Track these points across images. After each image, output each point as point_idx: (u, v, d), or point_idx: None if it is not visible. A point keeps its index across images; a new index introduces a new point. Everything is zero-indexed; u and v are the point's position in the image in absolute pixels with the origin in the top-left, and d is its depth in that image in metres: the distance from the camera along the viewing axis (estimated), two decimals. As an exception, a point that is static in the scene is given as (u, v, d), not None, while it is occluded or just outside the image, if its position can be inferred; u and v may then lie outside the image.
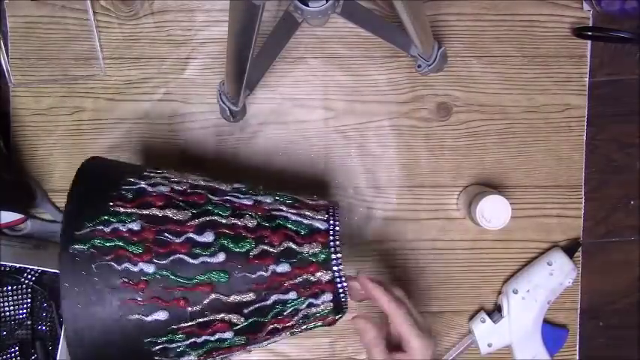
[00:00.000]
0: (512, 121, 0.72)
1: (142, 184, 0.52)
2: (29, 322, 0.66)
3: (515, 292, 0.70)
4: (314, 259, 0.51)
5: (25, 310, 0.66)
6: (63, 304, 0.46)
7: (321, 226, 0.53)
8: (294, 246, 0.51)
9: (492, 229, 0.66)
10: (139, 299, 0.47)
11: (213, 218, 0.50)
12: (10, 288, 0.66)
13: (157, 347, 0.48)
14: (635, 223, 0.74)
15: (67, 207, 0.49)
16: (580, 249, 0.73)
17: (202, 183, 0.55)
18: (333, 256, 0.51)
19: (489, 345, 0.71)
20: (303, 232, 0.52)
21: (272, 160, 0.71)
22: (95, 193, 0.50)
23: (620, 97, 0.73)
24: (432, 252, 0.73)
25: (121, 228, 0.48)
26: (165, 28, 0.70)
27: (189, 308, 0.48)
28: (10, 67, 0.69)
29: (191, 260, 0.48)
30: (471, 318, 0.73)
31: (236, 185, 0.56)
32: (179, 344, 0.49)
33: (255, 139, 0.71)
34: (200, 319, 0.49)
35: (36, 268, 0.64)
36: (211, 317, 0.49)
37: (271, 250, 0.50)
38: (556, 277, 0.69)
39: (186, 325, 0.48)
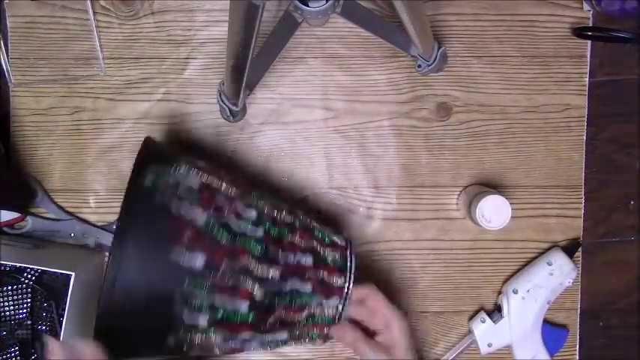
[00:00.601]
0: (512, 121, 0.72)
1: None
2: (29, 322, 0.66)
3: (516, 292, 0.70)
4: (332, 264, 0.57)
5: (25, 310, 0.66)
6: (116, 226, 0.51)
7: (341, 242, 0.60)
8: (319, 246, 0.58)
9: (492, 229, 0.66)
10: (184, 239, 0.51)
11: (264, 201, 0.58)
12: (10, 288, 0.65)
13: (181, 293, 0.51)
14: (635, 223, 0.74)
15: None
16: (580, 249, 0.73)
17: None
18: (348, 264, 0.58)
19: (489, 345, 0.71)
20: (327, 240, 0.59)
21: (272, 161, 0.71)
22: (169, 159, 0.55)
23: (620, 97, 0.73)
24: (432, 252, 0.73)
25: (182, 181, 0.53)
26: (165, 28, 0.70)
27: (224, 264, 0.52)
28: (10, 67, 0.69)
29: (237, 224, 0.54)
30: (471, 318, 0.73)
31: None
32: (201, 296, 0.52)
33: (255, 139, 0.71)
34: (228, 279, 0.52)
35: (36, 267, 0.64)
36: (237, 279, 0.53)
37: (301, 241, 0.57)
38: (556, 277, 0.69)
39: (214, 280, 0.52)
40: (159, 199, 0.51)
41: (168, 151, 0.59)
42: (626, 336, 0.75)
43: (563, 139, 0.72)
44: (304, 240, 0.57)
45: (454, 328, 0.73)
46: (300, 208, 0.63)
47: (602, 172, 0.73)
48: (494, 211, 0.66)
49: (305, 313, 0.56)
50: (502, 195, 0.66)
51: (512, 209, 0.66)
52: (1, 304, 0.65)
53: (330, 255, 0.58)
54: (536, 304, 0.69)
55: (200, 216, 0.52)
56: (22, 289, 0.66)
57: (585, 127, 0.73)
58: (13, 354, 0.65)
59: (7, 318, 0.66)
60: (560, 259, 0.70)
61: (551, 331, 0.72)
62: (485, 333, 0.71)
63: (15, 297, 0.66)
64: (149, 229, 0.51)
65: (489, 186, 0.71)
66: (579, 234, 0.73)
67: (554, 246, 0.72)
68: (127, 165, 0.71)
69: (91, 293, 0.70)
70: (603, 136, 0.73)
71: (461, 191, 0.72)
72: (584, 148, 0.73)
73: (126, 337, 0.52)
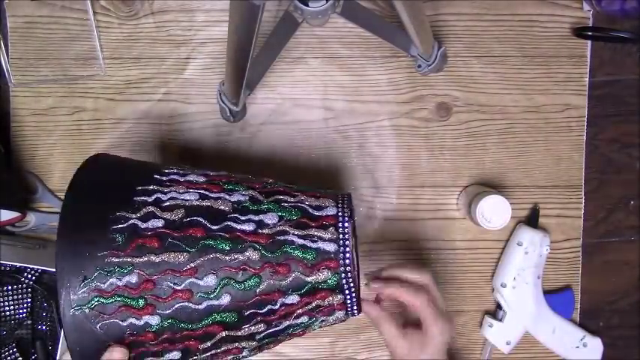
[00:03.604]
0: (512, 121, 0.72)
1: (133, 219, 0.47)
2: (29, 322, 0.66)
3: (504, 285, 0.70)
4: (324, 286, 0.49)
5: (25, 310, 0.66)
6: (72, 357, 0.46)
7: (330, 248, 0.49)
8: (302, 276, 0.48)
9: (492, 229, 0.66)
10: (149, 347, 0.47)
11: (213, 256, 0.47)
12: (10, 287, 0.66)
13: None
14: (635, 223, 0.74)
15: (57, 260, 0.45)
16: (540, 213, 0.72)
17: (198, 203, 0.49)
18: (344, 279, 0.49)
19: (508, 343, 0.71)
20: (310, 257, 0.48)
21: (272, 161, 0.71)
22: (84, 242, 0.46)
23: (620, 97, 0.73)
24: (432, 252, 0.73)
25: (117, 283, 0.46)
26: (165, 28, 0.70)
27: (202, 345, 0.48)
28: (10, 67, 0.69)
29: (196, 306, 0.47)
30: (472, 318, 0.73)
31: (235, 198, 0.50)
32: None
33: (255, 139, 0.71)
34: (214, 351, 0.49)
35: (36, 267, 0.65)
36: (224, 348, 0.49)
37: (278, 282, 0.48)
38: (532, 252, 0.69)
39: (200, 356, 0.48)
40: (102, 320, 0.46)
41: (92, 215, 0.48)
42: (626, 336, 0.75)
43: (563, 139, 0.72)
44: (283, 276, 0.48)
45: (454, 328, 0.73)
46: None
47: (602, 172, 0.73)
48: (494, 211, 0.66)
49: (311, 329, 0.52)
50: (502, 195, 0.66)
51: (512, 209, 0.66)
52: (1, 303, 0.65)
53: (320, 278, 0.49)
54: (528, 285, 0.69)
55: (150, 319, 0.46)
56: (22, 289, 0.66)
57: (585, 127, 0.73)
58: (12, 353, 0.65)
59: (7, 318, 0.66)
60: (527, 234, 0.69)
61: (557, 298, 0.72)
62: (499, 334, 0.71)
63: (15, 297, 0.66)
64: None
65: (489, 186, 0.71)
66: (579, 234, 0.73)
67: (516, 224, 0.72)
68: (127, 165, 0.71)
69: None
70: (603, 136, 0.73)
71: (461, 191, 0.72)
72: (584, 148, 0.73)
73: None
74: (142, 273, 0.46)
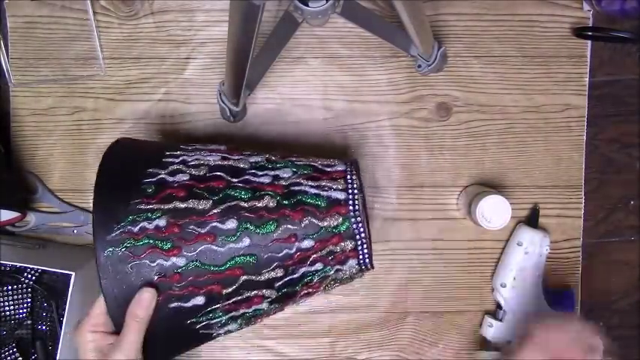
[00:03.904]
0: (512, 121, 0.72)
1: (162, 175, 0.52)
2: (29, 322, 0.66)
3: (504, 285, 0.70)
4: (336, 231, 0.52)
5: (25, 310, 0.66)
6: (107, 303, 0.49)
7: (340, 196, 0.53)
8: (315, 221, 0.52)
9: (492, 229, 0.66)
10: (175, 290, 0.50)
11: (234, 203, 0.51)
12: (10, 287, 0.66)
13: (200, 325, 0.52)
14: (635, 223, 0.74)
15: (94, 211, 0.50)
16: (539, 215, 0.72)
17: (221, 163, 0.54)
18: (354, 225, 0.52)
19: (509, 343, 0.71)
20: (322, 205, 0.52)
21: (272, 160, 0.71)
22: (119, 193, 0.51)
23: (620, 97, 0.73)
24: (432, 252, 0.73)
25: (147, 226, 0.50)
26: (165, 28, 0.70)
27: (224, 290, 0.51)
28: (10, 67, 0.69)
29: (218, 248, 0.50)
30: (472, 318, 0.73)
31: (253, 159, 0.55)
32: (219, 319, 0.52)
33: (255, 139, 0.71)
34: (235, 298, 0.52)
35: (36, 267, 0.65)
36: (245, 295, 0.52)
37: (293, 227, 0.52)
38: (532, 252, 0.69)
39: (223, 304, 0.51)
40: (133, 261, 0.50)
41: (126, 171, 0.53)
42: (626, 336, 0.75)
43: (563, 139, 0.72)
44: (298, 221, 0.52)
45: (454, 328, 0.73)
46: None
47: (602, 172, 0.74)
48: (494, 211, 0.66)
49: (327, 281, 0.55)
50: (502, 195, 0.66)
51: (512, 209, 0.66)
52: (1, 303, 0.65)
53: (332, 223, 0.52)
54: (528, 285, 0.69)
55: (177, 261, 0.50)
56: (22, 289, 0.66)
57: (585, 127, 0.73)
58: (12, 353, 0.65)
59: (7, 318, 0.66)
60: (527, 234, 0.69)
61: (557, 298, 0.72)
62: (499, 334, 0.71)
63: (15, 297, 0.66)
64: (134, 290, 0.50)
65: (489, 186, 0.71)
66: (579, 234, 0.73)
67: (516, 224, 0.72)
68: (127, 165, 0.71)
69: (91, 293, 0.70)
70: (603, 136, 0.73)
71: (461, 191, 0.72)
72: (584, 148, 0.73)
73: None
74: (169, 218, 0.50)
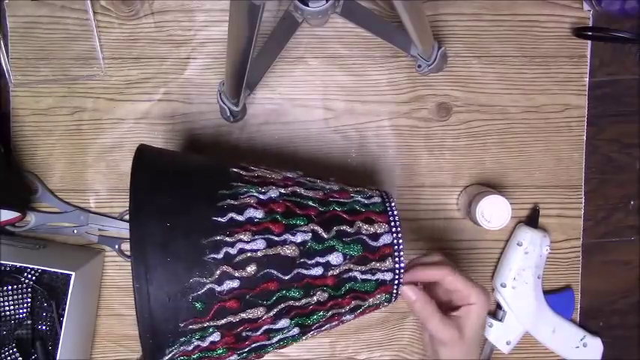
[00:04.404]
0: (512, 121, 0.72)
1: (209, 284, 0.47)
2: (29, 322, 0.66)
3: (504, 285, 0.70)
4: (377, 302, 0.54)
5: (25, 310, 0.66)
6: None
7: (388, 277, 0.53)
8: (360, 303, 0.53)
9: (492, 229, 0.66)
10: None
11: (288, 304, 0.50)
12: (10, 287, 0.66)
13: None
14: (635, 223, 0.74)
15: (142, 338, 0.46)
16: (538, 216, 0.72)
17: (267, 251, 0.49)
18: (394, 296, 0.54)
19: (508, 343, 0.71)
20: (371, 289, 0.53)
21: (272, 161, 0.71)
22: (166, 314, 0.47)
23: (620, 97, 0.73)
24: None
25: (202, 344, 0.48)
26: (165, 28, 0.70)
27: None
28: (10, 67, 0.69)
29: (269, 342, 0.51)
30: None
31: (299, 239, 0.51)
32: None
33: (255, 139, 0.71)
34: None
35: (36, 267, 0.64)
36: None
37: (341, 311, 0.53)
38: (532, 253, 0.69)
39: None
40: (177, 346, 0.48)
41: (168, 287, 0.47)
42: (626, 336, 0.75)
43: (563, 139, 0.72)
44: (345, 305, 0.52)
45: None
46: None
47: (602, 172, 0.74)
48: (494, 211, 0.66)
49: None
50: (502, 195, 0.66)
51: (512, 209, 0.66)
52: (1, 303, 0.65)
53: (374, 299, 0.53)
54: (528, 285, 0.69)
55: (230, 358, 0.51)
56: (22, 289, 0.66)
57: (585, 127, 0.73)
58: (12, 353, 0.65)
59: (7, 318, 0.66)
60: (527, 235, 0.69)
61: (557, 298, 0.72)
62: (499, 334, 0.71)
63: (15, 297, 0.66)
64: None
65: (489, 186, 0.71)
66: (579, 234, 0.73)
67: (516, 224, 0.72)
68: (127, 165, 0.71)
69: (91, 293, 0.70)
70: (603, 136, 0.73)
71: (461, 191, 0.72)
72: (584, 148, 0.73)
73: None
74: (223, 331, 0.49)
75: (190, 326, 0.47)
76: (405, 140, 0.72)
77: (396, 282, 0.53)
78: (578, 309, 0.74)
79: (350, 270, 0.52)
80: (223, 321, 0.48)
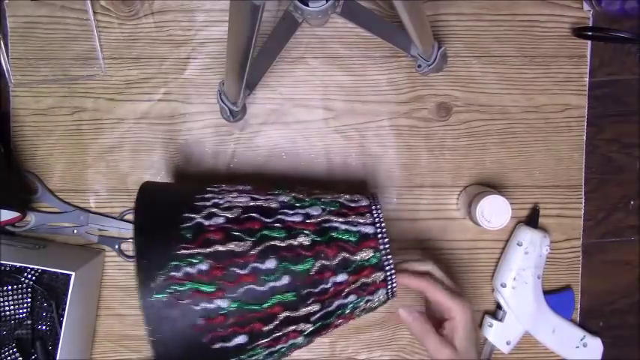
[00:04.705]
0: (512, 121, 0.72)
1: (198, 219, 0.53)
2: (29, 322, 0.66)
3: (504, 285, 0.70)
4: (367, 264, 0.55)
5: (25, 310, 0.66)
6: (152, 346, 0.50)
7: (369, 230, 0.56)
8: (348, 255, 0.55)
9: (492, 229, 0.66)
10: (220, 331, 0.51)
11: (271, 243, 0.53)
12: (10, 287, 0.66)
13: None
14: (635, 223, 0.74)
15: (137, 259, 0.50)
16: (540, 214, 0.72)
17: (252, 203, 0.56)
18: (384, 258, 0.56)
19: (508, 343, 0.71)
20: (353, 239, 0.55)
21: (272, 161, 0.71)
22: (159, 240, 0.52)
23: (620, 97, 0.73)
24: (432, 252, 0.73)
25: (190, 271, 0.51)
26: (165, 28, 0.70)
27: (265, 327, 0.52)
28: (10, 67, 0.69)
29: (260, 287, 0.52)
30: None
31: (281, 198, 0.57)
32: (258, 356, 0.54)
33: (255, 139, 0.71)
34: (275, 334, 0.53)
35: (36, 267, 0.64)
36: (284, 331, 0.53)
37: (328, 263, 0.54)
38: (532, 253, 0.69)
39: (263, 341, 0.53)
40: (177, 306, 0.50)
41: (163, 217, 0.54)
42: (626, 336, 0.75)
43: (563, 139, 0.72)
44: (332, 257, 0.54)
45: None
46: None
47: (602, 172, 0.74)
48: (494, 211, 0.66)
49: (357, 311, 0.57)
50: (502, 195, 0.66)
51: (512, 209, 0.66)
52: (1, 303, 0.65)
53: (363, 257, 0.55)
54: (528, 285, 0.69)
55: (221, 303, 0.51)
56: (22, 289, 0.66)
57: (585, 127, 0.73)
58: (12, 353, 0.65)
59: (7, 318, 0.66)
60: (527, 235, 0.69)
61: (557, 298, 0.72)
62: (499, 334, 0.71)
63: (15, 297, 0.66)
64: (183, 340, 0.50)
65: (489, 186, 0.71)
66: (579, 234, 0.73)
67: (516, 224, 0.72)
68: (127, 165, 0.71)
69: (91, 293, 0.70)
70: (603, 136, 0.73)
71: (461, 191, 0.72)
72: (584, 148, 0.73)
73: None
74: (211, 262, 0.51)
75: (180, 251, 0.51)
76: (405, 140, 0.72)
77: (380, 237, 0.56)
78: (578, 309, 0.74)
79: (330, 220, 0.56)
80: (210, 249, 0.51)
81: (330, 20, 0.70)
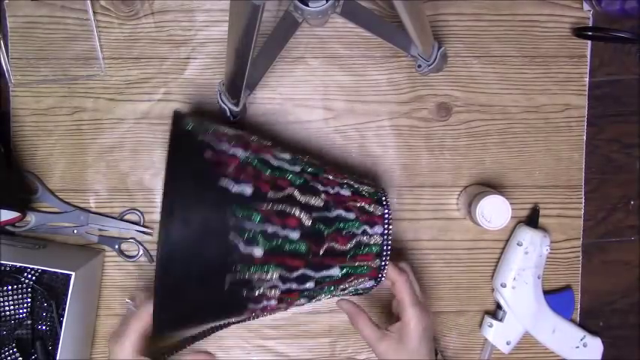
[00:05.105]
0: (512, 121, 0.72)
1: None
2: (29, 322, 0.66)
3: (504, 285, 0.70)
4: (368, 195, 0.60)
5: (25, 310, 0.66)
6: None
7: (372, 187, 0.62)
8: (353, 182, 0.60)
9: (492, 229, 0.66)
10: (229, 170, 0.53)
11: (288, 152, 0.60)
12: (10, 287, 0.65)
13: (234, 221, 0.52)
14: (635, 223, 0.74)
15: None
16: (540, 214, 0.72)
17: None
18: (383, 198, 0.60)
19: (508, 343, 0.71)
20: (359, 186, 0.61)
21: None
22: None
23: (620, 97, 0.73)
24: (432, 252, 0.73)
25: (219, 129, 0.56)
26: (165, 28, 0.70)
27: (270, 193, 0.54)
28: (10, 67, 0.69)
29: (274, 161, 0.56)
30: (471, 318, 0.73)
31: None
32: (253, 226, 0.53)
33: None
34: (276, 207, 0.54)
35: (36, 267, 0.64)
36: (286, 208, 0.54)
37: (337, 180, 0.59)
38: (532, 253, 0.69)
39: (264, 206, 0.53)
40: (201, 138, 0.54)
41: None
42: (626, 336, 0.75)
43: (563, 139, 0.72)
44: (339, 177, 0.59)
45: (454, 328, 0.73)
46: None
47: (602, 172, 0.74)
48: (494, 211, 0.66)
49: (353, 242, 0.57)
50: (502, 195, 0.66)
51: (512, 209, 0.66)
52: (1, 303, 0.65)
53: (365, 188, 0.60)
54: (528, 285, 0.69)
55: (240, 153, 0.54)
56: (22, 289, 0.66)
57: (585, 127, 0.73)
58: (12, 353, 0.65)
59: (7, 318, 0.66)
60: (527, 234, 0.69)
61: (557, 298, 0.72)
62: (499, 334, 0.71)
63: (15, 297, 0.66)
64: (197, 161, 0.52)
65: (489, 186, 0.71)
66: (579, 234, 0.73)
67: (516, 224, 0.72)
68: (127, 165, 0.71)
69: (90, 293, 0.70)
70: (603, 136, 0.73)
71: (461, 191, 0.72)
72: (584, 148, 0.73)
73: (186, 277, 0.51)
74: (239, 133, 0.58)
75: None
76: (405, 140, 0.72)
77: (382, 193, 0.61)
78: (578, 309, 0.74)
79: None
80: (239, 131, 0.58)
81: (330, 20, 0.70)
